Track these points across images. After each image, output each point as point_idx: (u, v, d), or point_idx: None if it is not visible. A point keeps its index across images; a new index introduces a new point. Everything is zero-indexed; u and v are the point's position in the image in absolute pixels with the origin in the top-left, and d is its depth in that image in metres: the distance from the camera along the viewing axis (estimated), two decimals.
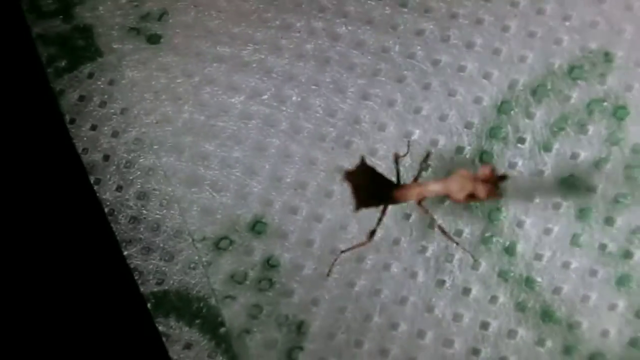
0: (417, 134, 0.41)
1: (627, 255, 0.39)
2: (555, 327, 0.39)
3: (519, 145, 0.40)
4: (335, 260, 0.40)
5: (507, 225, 0.40)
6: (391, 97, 0.42)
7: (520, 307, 0.39)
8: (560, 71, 0.41)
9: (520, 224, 0.40)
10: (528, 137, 0.41)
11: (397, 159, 0.39)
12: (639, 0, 0.41)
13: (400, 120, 0.41)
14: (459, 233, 0.40)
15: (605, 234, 0.39)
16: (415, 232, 0.40)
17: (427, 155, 0.40)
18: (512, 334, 0.39)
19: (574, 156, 0.40)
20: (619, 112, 0.40)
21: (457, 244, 0.39)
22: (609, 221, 0.39)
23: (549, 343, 0.39)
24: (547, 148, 0.40)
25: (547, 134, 0.40)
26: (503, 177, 0.36)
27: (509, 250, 0.40)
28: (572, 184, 0.40)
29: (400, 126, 0.41)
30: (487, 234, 0.40)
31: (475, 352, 0.39)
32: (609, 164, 0.40)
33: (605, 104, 0.40)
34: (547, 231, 0.40)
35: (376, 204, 0.39)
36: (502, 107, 0.41)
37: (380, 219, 0.39)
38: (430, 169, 0.41)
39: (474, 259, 0.39)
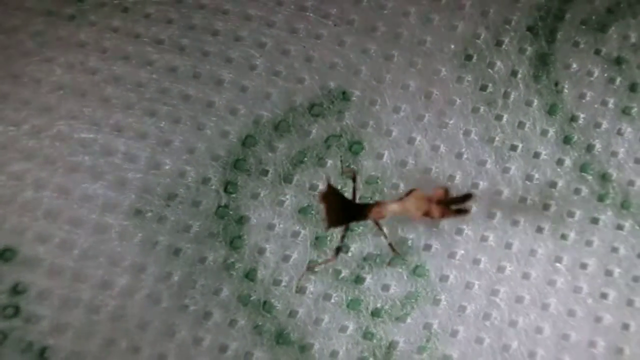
0: (167, 164, 0.43)
1: (359, 280, 0.42)
2: (288, 349, 0.41)
3: (262, 177, 0.43)
4: (302, 275, 0.41)
5: (248, 253, 0.42)
6: (144, 129, 0.43)
7: (258, 330, 0.41)
8: (301, 108, 0.44)
9: (261, 251, 0.42)
10: (270, 170, 0.43)
11: (354, 177, 0.42)
12: (374, 44, 0.44)
13: (152, 152, 0.43)
14: (203, 260, 0.42)
15: (340, 260, 0.42)
16: (160, 259, 0.42)
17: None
18: (248, 356, 0.41)
19: (313, 187, 0.43)
20: (355, 147, 0.43)
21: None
22: (343, 248, 0.42)
23: None
24: (287, 180, 0.43)
25: (288, 166, 0.43)
26: (468, 196, 0.39)
27: (250, 276, 0.42)
28: (309, 213, 0.42)
29: (150, 158, 0.43)
30: (229, 261, 0.42)
31: None
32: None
33: (342, 139, 0.43)
34: (286, 258, 0.42)
35: (344, 223, 0.40)
36: (247, 141, 0.43)
37: (343, 236, 0.41)
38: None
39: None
